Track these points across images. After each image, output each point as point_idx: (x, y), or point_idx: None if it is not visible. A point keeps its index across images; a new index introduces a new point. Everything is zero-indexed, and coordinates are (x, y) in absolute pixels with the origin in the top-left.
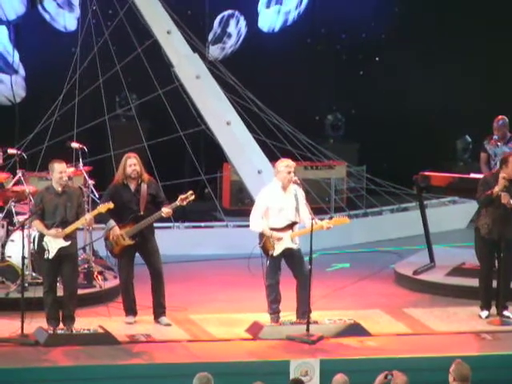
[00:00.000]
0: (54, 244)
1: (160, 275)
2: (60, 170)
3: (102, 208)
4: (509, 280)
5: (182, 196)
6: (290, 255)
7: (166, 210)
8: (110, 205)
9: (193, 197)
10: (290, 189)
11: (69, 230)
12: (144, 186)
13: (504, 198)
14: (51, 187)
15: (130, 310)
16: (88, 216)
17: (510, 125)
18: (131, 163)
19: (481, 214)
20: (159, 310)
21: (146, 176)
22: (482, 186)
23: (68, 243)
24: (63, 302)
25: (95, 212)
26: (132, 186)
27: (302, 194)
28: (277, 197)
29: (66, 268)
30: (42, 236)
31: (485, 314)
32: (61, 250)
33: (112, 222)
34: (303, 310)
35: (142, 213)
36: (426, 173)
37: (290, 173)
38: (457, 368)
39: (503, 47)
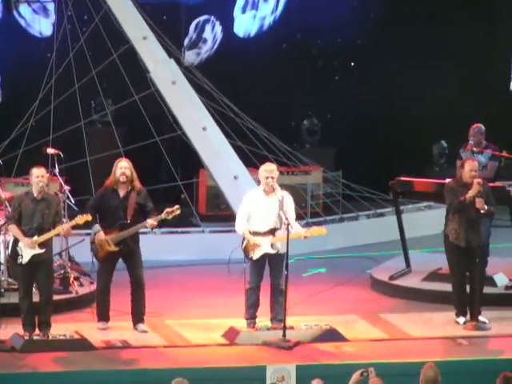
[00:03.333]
0: (28, 250)
1: (141, 285)
2: (37, 175)
3: (80, 219)
4: (482, 285)
5: (168, 209)
6: (270, 261)
7: (150, 222)
8: (88, 217)
9: (179, 211)
10: (275, 194)
11: (43, 238)
12: (133, 195)
13: (479, 202)
14: (30, 193)
15: (103, 315)
16: (65, 226)
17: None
18: (121, 166)
19: (448, 219)
20: (138, 317)
21: (137, 184)
22: (448, 193)
23: (42, 250)
24: (39, 308)
25: (73, 223)
26: (121, 192)
27: (289, 201)
28: (259, 201)
29: (40, 274)
30: (16, 241)
31: (462, 320)
32: (34, 256)
33: (97, 227)
34: (275, 317)
35: (128, 221)
36: (403, 178)
37: (267, 178)
38: (426, 371)
39: (480, 54)
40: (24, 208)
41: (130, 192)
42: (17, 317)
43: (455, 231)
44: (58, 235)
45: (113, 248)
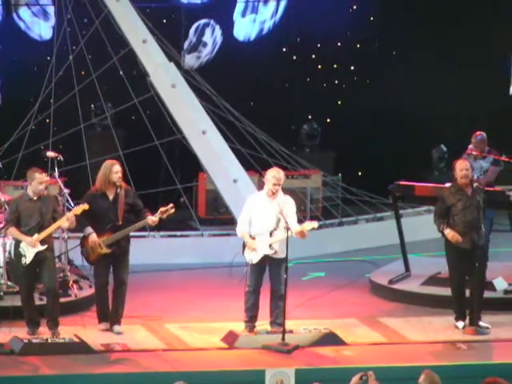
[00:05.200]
0: (30, 249)
1: (124, 285)
2: (40, 181)
3: (78, 210)
4: (483, 289)
5: (163, 209)
6: (270, 265)
7: (152, 219)
8: (85, 206)
9: (173, 210)
10: (276, 198)
11: (44, 234)
12: (122, 195)
13: (452, 237)
14: (25, 194)
15: (104, 316)
16: (69, 214)
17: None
18: (117, 170)
19: (449, 223)
20: (114, 318)
21: (123, 184)
22: (438, 203)
23: (44, 247)
24: (46, 307)
25: (71, 213)
26: (110, 195)
27: (291, 204)
28: (260, 204)
29: (44, 271)
30: (18, 242)
31: (461, 324)
32: (37, 254)
33: (89, 229)
34: (274, 321)
35: (120, 222)
36: (402, 182)
37: (275, 185)
38: (426, 377)
39: (480, 57)
40: (22, 209)
41: (118, 193)
42: (16, 320)
43: (458, 234)
44: (56, 237)
45: (105, 250)
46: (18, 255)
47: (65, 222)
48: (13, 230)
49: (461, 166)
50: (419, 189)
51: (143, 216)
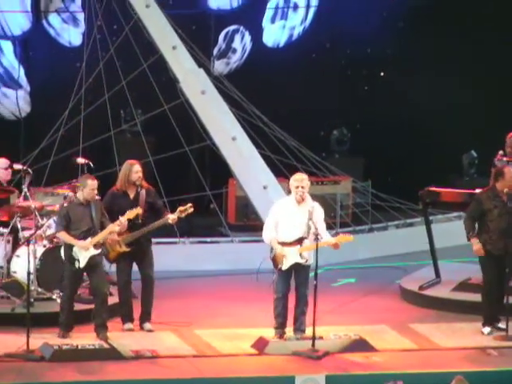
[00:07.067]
0: (84, 253)
1: (151, 283)
2: (93, 188)
3: (131, 214)
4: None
5: (181, 208)
6: (297, 271)
7: (172, 217)
8: (139, 210)
9: (192, 209)
10: (305, 204)
11: (97, 239)
12: (143, 193)
13: (478, 250)
14: (76, 199)
15: (127, 316)
16: (123, 219)
17: None
18: (137, 170)
19: (481, 229)
20: (145, 316)
21: (144, 183)
22: (473, 205)
23: (98, 251)
24: (95, 311)
25: (125, 217)
26: (131, 194)
27: (319, 211)
28: (288, 211)
29: (95, 276)
30: (69, 247)
31: (487, 330)
32: (91, 258)
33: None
34: (298, 328)
35: (139, 220)
36: (432, 188)
37: (298, 187)
38: (457, 383)
39: (509, 63)
40: (73, 214)
41: (138, 193)
42: (47, 326)
43: (491, 240)
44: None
45: (124, 249)
46: (71, 259)
47: (117, 226)
48: (64, 235)
49: (511, 174)
50: (449, 195)
51: (163, 215)
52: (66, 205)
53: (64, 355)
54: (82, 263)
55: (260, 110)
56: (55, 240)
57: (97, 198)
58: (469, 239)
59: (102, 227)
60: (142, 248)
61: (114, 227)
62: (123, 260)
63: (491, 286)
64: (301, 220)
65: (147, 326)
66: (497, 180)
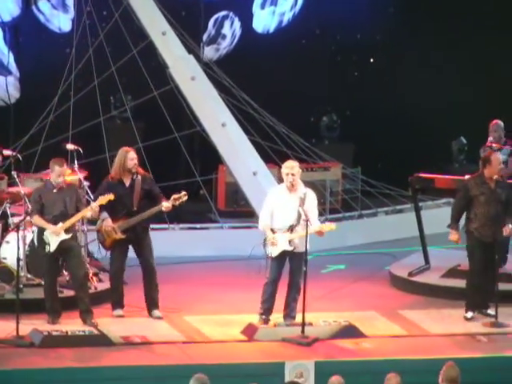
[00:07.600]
0: (54, 237)
1: (152, 270)
2: (59, 174)
3: (103, 199)
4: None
5: (175, 196)
6: (291, 258)
7: (166, 205)
8: (111, 196)
9: (186, 197)
10: (297, 191)
11: (68, 223)
12: (138, 181)
13: (452, 239)
14: (49, 183)
15: (117, 302)
16: (94, 204)
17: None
18: (133, 157)
19: (470, 216)
20: (152, 303)
21: (140, 170)
22: (461, 189)
23: (68, 236)
24: (76, 297)
25: (97, 203)
26: (126, 182)
27: (311, 197)
28: (281, 198)
29: (70, 260)
30: (41, 230)
31: (470, 314)
32: (62, 243)
33: (105, 214)
34: (289, 314)
35: (135, 208)
36: (421, 174)
37: (288, 174)
38: (447, 370)
39: (502, 47)
40: (45, 198)
41: (134, 180)
42: (36, 312)
43: (480, 227)
44: (82, 219)
45: (119, 236)
46: (42, 243)
47: (88, 211)
48: (37, 219)
49: (498, 161)
50: (439, 181)
51: (159, 202)
52: (38, 189)
53: (54, 341)
54: (53, 247)
55: (250, 96)
56: None
57: (73, 183)
58: (449, 226)
59: (78, 211)
60: (137, 235)
61: (85, 212)
62: (118, 247)
63: (476, 273)
64: (292, 207)
65: (156, 313)
66: (484, 167)
